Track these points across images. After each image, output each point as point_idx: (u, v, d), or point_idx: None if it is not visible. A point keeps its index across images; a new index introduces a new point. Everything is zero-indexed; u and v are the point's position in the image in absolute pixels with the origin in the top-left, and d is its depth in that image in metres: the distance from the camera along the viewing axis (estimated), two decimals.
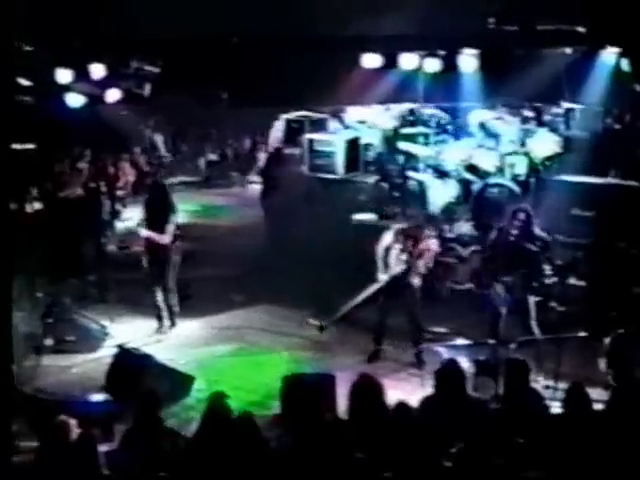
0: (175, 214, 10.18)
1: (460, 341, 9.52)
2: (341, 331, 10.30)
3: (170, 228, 10.02)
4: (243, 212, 14.64)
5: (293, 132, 14.92)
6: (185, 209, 13.31)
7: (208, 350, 9.80)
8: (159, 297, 10.12)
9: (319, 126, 14.74)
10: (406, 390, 8.10)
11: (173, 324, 10.27)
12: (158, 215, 10.06)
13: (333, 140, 13.44)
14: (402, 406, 5.79)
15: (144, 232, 10.02)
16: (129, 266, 11.56)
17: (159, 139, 16.36)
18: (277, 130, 15.50)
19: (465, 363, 7.81)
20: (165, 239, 9.98)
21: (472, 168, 12.19)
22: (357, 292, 10.99)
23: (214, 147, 17.39)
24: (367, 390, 6.00)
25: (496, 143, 12.50)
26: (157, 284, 10.10)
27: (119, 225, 13.92)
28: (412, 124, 13.71)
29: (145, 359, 8.81)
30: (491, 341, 8.95)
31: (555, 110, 13.08)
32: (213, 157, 16.42)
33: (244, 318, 10.44)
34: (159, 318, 10.21)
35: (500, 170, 12.15)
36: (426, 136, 13.10)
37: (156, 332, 10.16)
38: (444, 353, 9.05)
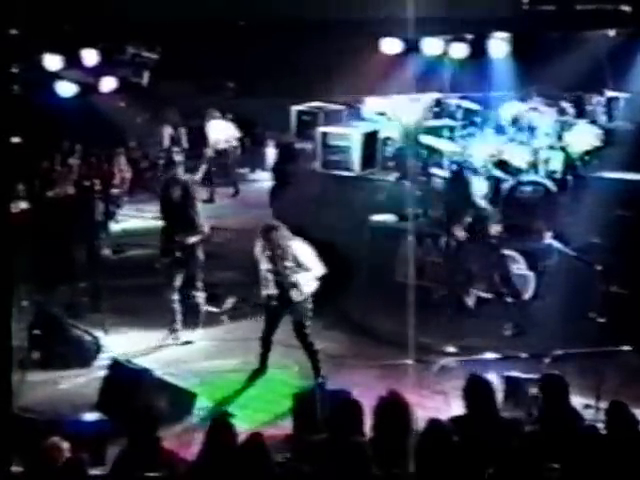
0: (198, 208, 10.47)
1: (489, 355, 9.48)
2: (357, 344, 10.28)
3: (204, 222, 10.37)
4: (250, 212, 14.60)
5: (305, 125, 14.90)
6: None
7: (211, 364, 9.78)
8: (175, 299, 10.22)
9: (334, 118, 14.72)
10: (429, 408, 8.06)
11: (197, 326, 10.47)
12: (183, 213, 10.22)
13: (349, 134, 13.41)
14: (434, 426, 5.74)
15: (193, 238, 10.18)
16: (124, 272, 11.58)
17: (165, 132, 16.34)
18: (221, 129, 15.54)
19: (495, 379, 7.76)
20: (205, 233, 10.42)
21: (502, 164, 12.13)
22: (374, 298, 11.01)
23: None
24: (393, 408, 5.96)
25: (530, 137, 12.43)
26: (183, 285, 10.30)
27: (114, 227, 13.91)
28: (436, 116, 13.67)
29: (142, 374, 8.81)
30: (523, 355, 8.89)
31: (596, 99, 13.00)
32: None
33: (251, 329, 10.39)
34: (172, 324, 10.28)
35: (534, 166, 12.09)
36: (452, 129, 13.06)
37: (170, 338, 10.24)
38: (471, 368, 8.99)
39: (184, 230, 10.18)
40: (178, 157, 10.69)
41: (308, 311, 9.17)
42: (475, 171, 12.04)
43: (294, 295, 9.05)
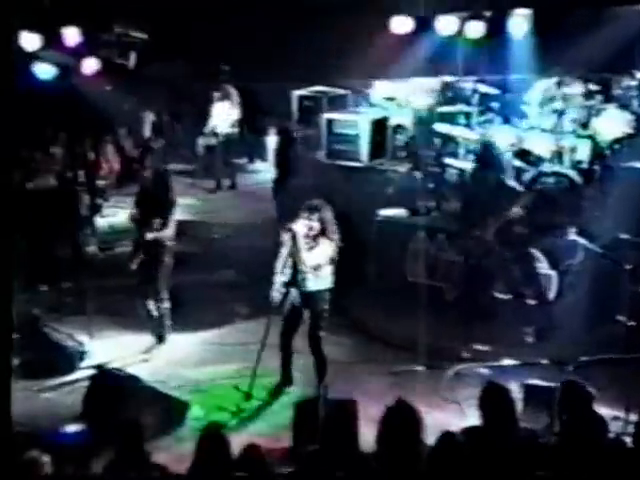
0: (175, 207, 10.31)
1: (506, 361, 9.50)
2: (363, 348, 10.31)
3: (172, 222, 10.16)
4: (248, 207, 14.64)
5: (308, 111, 14.92)
6: (178, 203, 13.31)
7: (206, 371, 9.82)
8: (152, 306, 10.19)
9: (339, 104, 14.73)
10: (440, 418, 8.09)
11: (162, 340, 10.33)
12: (155, 209, 10.12)
13: (356, 121, 13.42)
14: (445, 437, 5.77)
15: (150, 235, 10.05)
16: (112, 271, 11.61)
17: (146, 119, 16.36)
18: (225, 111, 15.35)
19: (513, 387, 7.78)
20: (168, 233, 10.10)
21: (523, 154, 12.15)
22: (382, 299, 11.05)
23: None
24: (401, 419, 5.99)
25: (553, 123, 12.42)
26: (148, 291, 10.18)
27: (100, 222, 13.94)
28: (451, 101, 13.66)
29: (130, 382, 8.86)
30: (544, 361, 8.91)
31: (627, 82, 12.96)
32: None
33: (248, 333, 10.44)
34: (157, 332, 10.30)
35: (558, 156, 12.09)
36: (468, 116, 13.05)
37: (150, 349, 10.22)
38: (487, 375, 9.03)
39: (154, 226, 10.05)
40: (156, 146, 10.64)
41: (325, 311, 9.16)
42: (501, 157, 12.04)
43: (311, 284, 9.03)
